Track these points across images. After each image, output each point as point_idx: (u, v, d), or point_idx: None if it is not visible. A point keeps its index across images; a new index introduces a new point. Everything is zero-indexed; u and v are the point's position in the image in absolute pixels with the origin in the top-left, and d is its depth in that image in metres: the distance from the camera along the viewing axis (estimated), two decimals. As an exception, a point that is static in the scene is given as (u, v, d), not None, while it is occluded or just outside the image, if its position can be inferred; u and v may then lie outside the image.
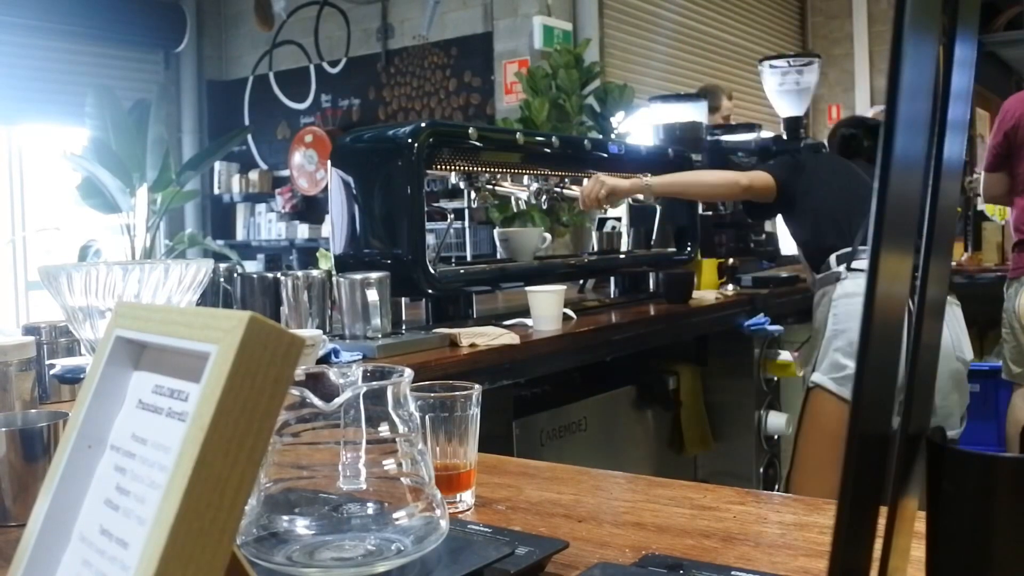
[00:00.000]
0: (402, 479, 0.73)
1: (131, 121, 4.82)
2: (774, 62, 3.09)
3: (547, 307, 2.19)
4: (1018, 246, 3.51)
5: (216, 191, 7.00)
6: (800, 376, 2.82)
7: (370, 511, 0.72)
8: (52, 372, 1.51)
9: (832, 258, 2.52)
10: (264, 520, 0.70)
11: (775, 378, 2.95)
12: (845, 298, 2.40)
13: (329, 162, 2.31)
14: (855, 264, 2.44)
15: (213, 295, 2.12)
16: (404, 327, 2.06)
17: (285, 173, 6.70)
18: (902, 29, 0.37)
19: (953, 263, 4.54)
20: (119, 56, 6.43)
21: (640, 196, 2.74)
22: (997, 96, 3.67)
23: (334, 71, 6.47)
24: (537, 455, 2.08)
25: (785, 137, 3.23)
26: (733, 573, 0.74)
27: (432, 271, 2.16)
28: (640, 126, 4.43)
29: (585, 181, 2.65)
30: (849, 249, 2.48)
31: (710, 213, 3.37)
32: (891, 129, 0.37)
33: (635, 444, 2.58)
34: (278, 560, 0.68)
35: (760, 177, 2.62)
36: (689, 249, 3.05)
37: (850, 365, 2.30)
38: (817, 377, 2.34)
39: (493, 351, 1.94)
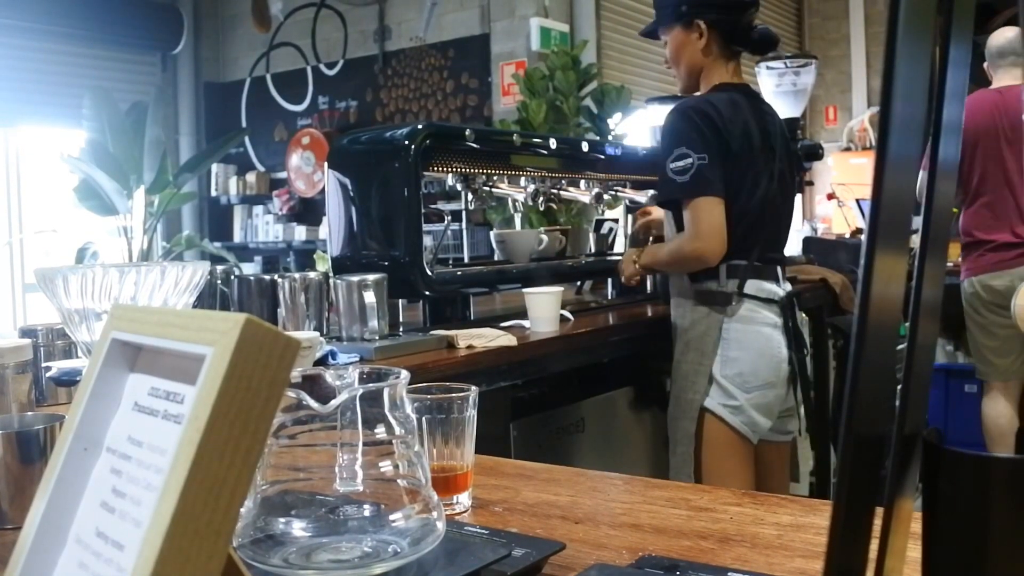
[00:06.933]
0: (399, 481, 0.73)
1: (128, 123, 4.82)
2: (771, 63, 3.09)
3: (544, 308, 2.19)
4: (965, 249, 3.58)
5: (213, 193, 7.00)
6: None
7: (367, 513, 0.72)
8: (48, 374, 1.50)
9: (722, 269, 2.20)
10: (261, 522, 0.70)
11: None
12: (739, 323, 2.18)
13: (326, 164, 2.31)
14: (749, 289, 2.20)
15: (210, 297, 2.12)
16: (401, 329, 2.06)
17: (282, 175, 6.70)
18: (896, 30, 0.37)
19: (949, 263, 4.55)
20: (116, 58, 6.43)
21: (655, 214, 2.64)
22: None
23: (331, 73, 6.47)
24: (534, 457, 2.07)
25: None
26: (730, 574, 0.74)
27: (429, 273, 2.16)
28: (637, 127, 4.43)
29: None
30: (744, 262, 2.21)
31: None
32: (885, 130, 0.37)
33: (632, 445, 2.58)
34: (275, 562, 0.68)
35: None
36: (686, 250, 3.05)
37: (740, 398, 2.16)
38: (709, 403, 2.16)
39: (490, 353, 1.94)
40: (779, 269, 2.30)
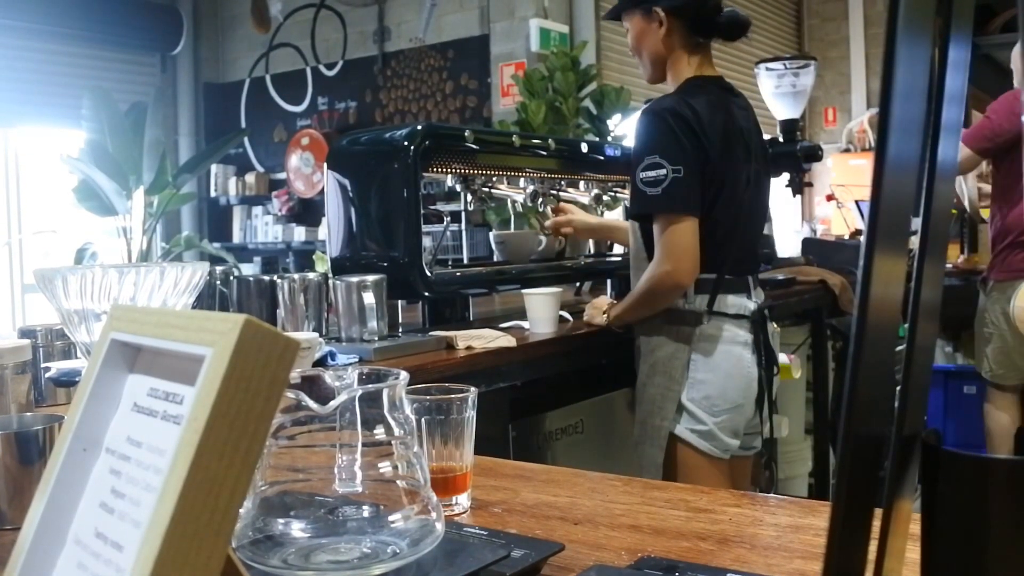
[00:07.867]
0: (398, 482, 0.73)
1: (128, 124, 4.82)
2: (770, 64, 3.10)
3: (543, 309, 2.19)
4: (1011, 247, 3.45)
5: (213, 194, 7.00)
6: (796, 378, 2.82)
7: (366, 514, 0.72)
8: (48, 375, 1.50)
9: (691, 285, 2.05)
10: (260, 523, 0.70)
11: (772, 380, 2.93)
12: (707, 343, 2.05)
13: (325, 165, 2.31)
14: (719, 305, 2.06)
15: (209, 298, 2.12)
16: (400, 330, 2.06)
17: (282, 176, 6.70)
18: (895, 31, 0.37)
19: (949, 265, 4.55)
20: (116, 59, 6.43)
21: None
22: (992, 99, 3.67)
23: (331, 74, 6.47)
24: (533, 457, 2.08)
25: (781, 140, 3.24)
26: (728, 575, 0.74)
27: (428, 274, 2.16)
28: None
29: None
30: (713, 276, 2.06)
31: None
32: (885, 131, 0.37)
33: (631, 447, 2.58)
34: (274, 563, 0.68)
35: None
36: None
37: (708, 422, 2.03)
38: (679, 430, 2.04)
39: (490, 353, 1.94)
40: (750, 280, 2.14)
